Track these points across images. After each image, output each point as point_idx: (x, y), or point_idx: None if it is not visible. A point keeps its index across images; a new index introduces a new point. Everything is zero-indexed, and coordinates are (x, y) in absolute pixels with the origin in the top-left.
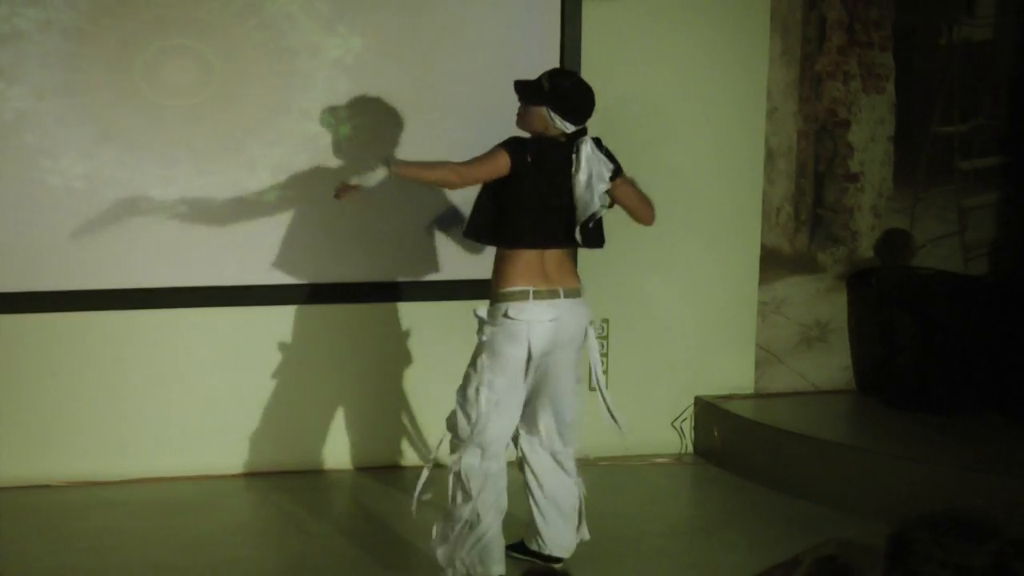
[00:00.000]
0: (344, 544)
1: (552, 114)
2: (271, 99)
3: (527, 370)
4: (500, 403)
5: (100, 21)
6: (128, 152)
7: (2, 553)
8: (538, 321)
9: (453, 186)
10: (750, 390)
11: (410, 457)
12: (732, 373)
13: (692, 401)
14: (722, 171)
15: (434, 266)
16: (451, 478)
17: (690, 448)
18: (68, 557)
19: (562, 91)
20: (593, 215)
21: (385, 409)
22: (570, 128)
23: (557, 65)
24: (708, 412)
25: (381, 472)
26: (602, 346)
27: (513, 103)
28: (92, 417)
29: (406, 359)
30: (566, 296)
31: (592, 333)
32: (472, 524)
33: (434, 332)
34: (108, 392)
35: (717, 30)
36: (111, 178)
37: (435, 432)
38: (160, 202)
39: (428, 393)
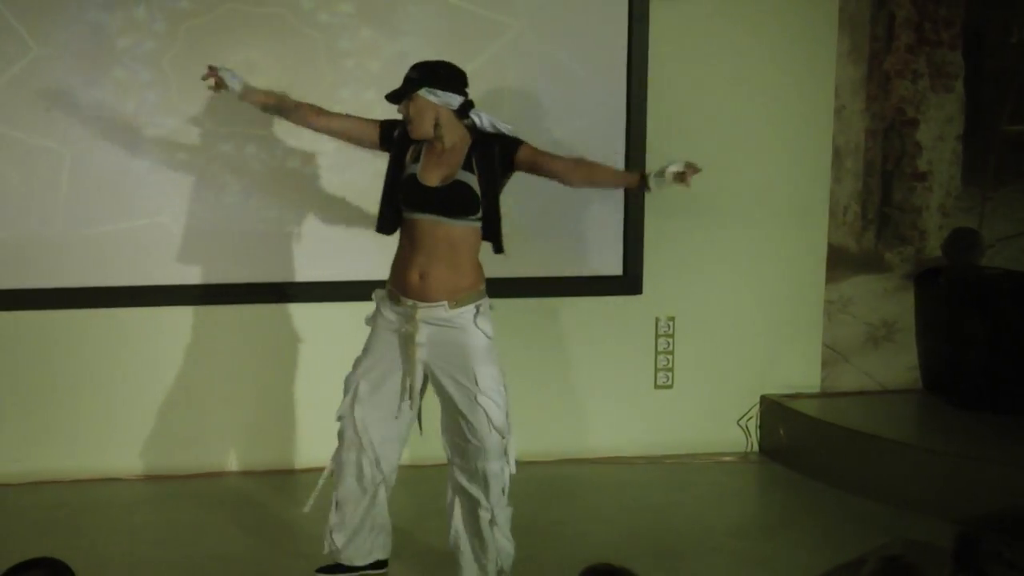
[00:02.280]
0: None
1: (450, 93)
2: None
3: None
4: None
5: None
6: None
7: (75, 546)
8: None
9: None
10: (816, 389)
11: None
12: (798, 372)
13: (758, 400)
14: (789, 169)
15: None
16: (502, 479)
17: (756, 447)
18: (138, 549)
19: (432, 68)
20: None
21: None
22: (456, 101)
23: (624, 66)
24: (774, 411)
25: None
26: (668, 344)
27: (583, 104)
28: (157, 410)
29: None
30: None
31: None
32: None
33: None
34: (178, 385)
35: (785, 28)
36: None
37: None
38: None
39: None
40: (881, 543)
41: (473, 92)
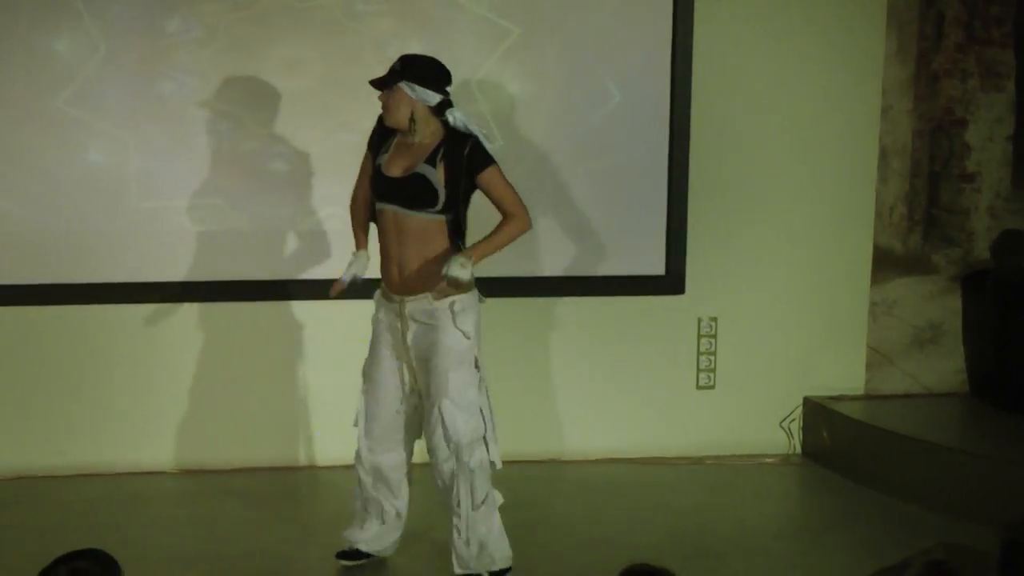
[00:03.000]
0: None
1: (426, 89)
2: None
3: None
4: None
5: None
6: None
7: (117, 539)
8: None
9: (528, 225)
10: (860, 391)
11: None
12: (842, 374)
13: (801, 401)
14: (834, 169)
15: None
16: (470, 479)
17: (798, 449)
18: (179, 543)
19: (416, 63)
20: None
21: None
22: (434, 99)
23: (668, 64)
24: (817, 413)
25: None
26: (710, 344)
27: (627, 99)
28: (194, 405)
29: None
30: None
31: None
32: (494, 505)
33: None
34: (213, 381)
35: (831, 27)
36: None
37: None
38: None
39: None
40: (924, 548)
41: (513, 93)
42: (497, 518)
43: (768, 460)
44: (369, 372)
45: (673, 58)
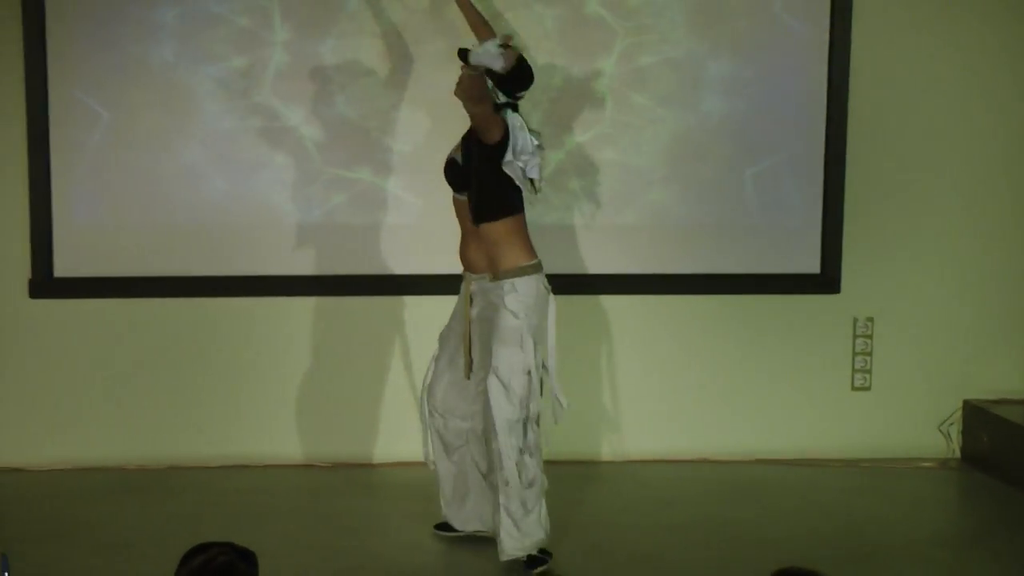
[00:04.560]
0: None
1: (487, 81)
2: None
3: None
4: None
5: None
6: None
7: (264, 529)
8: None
9: (478, 104)
10: (1023, 394)
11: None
12: (1004, 376)
13: (960, 404)
14: (1002, 166)
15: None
16: (514, 458)
17: (957, 453)
18: (327, 537)
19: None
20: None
21: None
22: (501, 98)
23: (825, 66)
24: (977, 416)
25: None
26: (866, 345)
27: (784, 105)
28: (318, 399)
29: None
30: None
31: None
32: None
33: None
34: (335, 375)
35: (994, 21)
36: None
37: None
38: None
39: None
40: None
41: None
42: (542, 504)
43: (925, 464)
44: (442, 339)
45: (830, 59)
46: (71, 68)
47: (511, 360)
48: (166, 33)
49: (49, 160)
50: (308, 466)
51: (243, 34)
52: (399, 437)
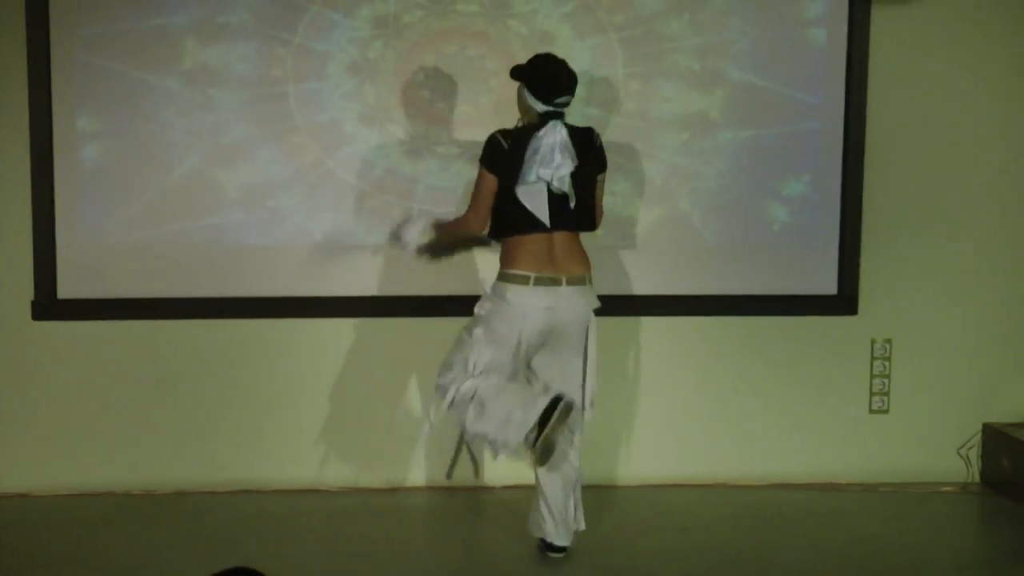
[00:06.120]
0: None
1: (526, 91)
2: None
3: (516, 352)
4: (487, 370)
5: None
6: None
7: (277, 555)
8: (533, 308)
9: (473, 227)
10: None
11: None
12: None
13: (980, 428)
14: (1019, 183)
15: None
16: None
17: (977, 477)
18: (342, 561)
19: (531, 67)
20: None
21: None
22: (540, 107)
23: (843, 86)
24: (997, 440)
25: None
26: (884, 367)
27: (802, 114)
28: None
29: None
30: (568, 283)
31: (594, 323)
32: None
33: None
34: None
35: (1013, 36)
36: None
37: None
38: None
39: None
40: None
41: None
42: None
43: (945, 489)
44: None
45: (848, 69)
46: (75, 88)
47: (453, 346)
48: (170, 53)
49: (53, 181)
50: (317, 491)
51: (249, 52)
52: (413, 461)
